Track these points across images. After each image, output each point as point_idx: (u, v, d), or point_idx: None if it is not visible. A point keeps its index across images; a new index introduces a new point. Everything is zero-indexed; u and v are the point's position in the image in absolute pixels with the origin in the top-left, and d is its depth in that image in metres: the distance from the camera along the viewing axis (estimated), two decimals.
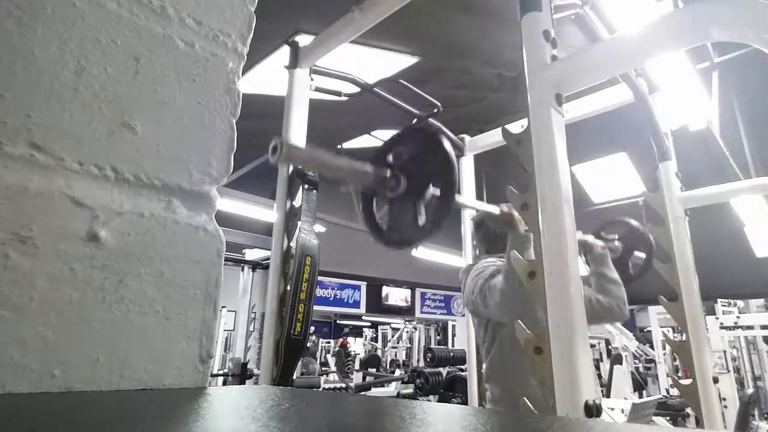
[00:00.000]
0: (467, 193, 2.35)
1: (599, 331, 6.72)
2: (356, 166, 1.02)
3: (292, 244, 1.53)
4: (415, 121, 2.15)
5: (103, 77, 0.48)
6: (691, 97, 2.80)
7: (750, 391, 4.58)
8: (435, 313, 11.38)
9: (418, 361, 8.96)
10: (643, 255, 1.98)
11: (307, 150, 0.97)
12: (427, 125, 1.08)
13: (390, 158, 1.07)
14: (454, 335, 10.80)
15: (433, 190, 1.03)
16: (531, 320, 0.92)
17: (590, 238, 1.80)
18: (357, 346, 10.02)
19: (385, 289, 10.34)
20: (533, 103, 1.03)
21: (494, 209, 1.40)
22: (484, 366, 2.00)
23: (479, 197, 2.49)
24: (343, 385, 5.78)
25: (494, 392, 1.60)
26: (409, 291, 10.72)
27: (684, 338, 1.63)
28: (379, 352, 9.74)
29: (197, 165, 0.54)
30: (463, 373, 4.45)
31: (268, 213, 4.77)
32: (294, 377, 1.46)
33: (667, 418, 4.23)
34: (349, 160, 1.01)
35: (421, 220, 1.01)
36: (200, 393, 0.46)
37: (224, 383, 4.21)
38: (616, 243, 1.94)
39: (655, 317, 6.49)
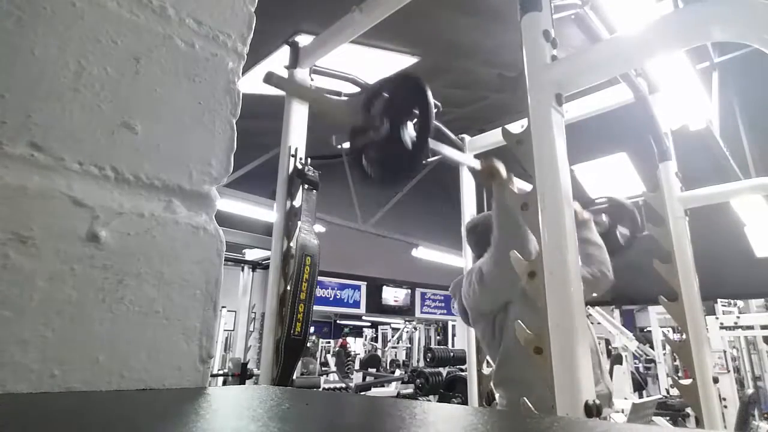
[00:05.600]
0: (467, 193, 2.34)
1: (599, 331, 6.71)
2: (346, 106, 1.07)
3: (292, 244, 1.53)
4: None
5: (103, 77, 0.48)
6: (691, 97, 2.80)
7: (750, 391, 4.58)
8: (435, 313, 11.38)
9: (418, 361, 8.96)
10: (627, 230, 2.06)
11: (301, 85, 1.01)
12: (410, 75, 1.15)
13: (376, 102, 1.15)
14: (454, 335, 10.79)
15: (411, 132, 1.09)
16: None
17: (576, 205, 1.80)
18: (357, 346, 10.02)
19: (385, 289, 10.35)
20: (533, 103, 1.03)
21: (474, 162, 1.40)
22: (486, 364, 1.99)
23: (479, 197, 2.48)
24: (343, 385, 5.78)
25: (507, 393, 1.55)
26: (409, 291, 10.72)
27: (684, 338, 1.63)
28: (379, 352, 9.74)
29: (197, 165, 0.54)
30: (463, 373, 4.45)
31: (268, 213, 4.77)
32: (294, 377, 1.46)
33: (667, 418, 4.23)
34: (339, 100, 1.06)
35: (402, 158, 1.08)
36: (200, 393, 0.46)
37: (224, 383, 4.21)
38: (603, 217, 2.00)
39: (655, 317, 6.48)
